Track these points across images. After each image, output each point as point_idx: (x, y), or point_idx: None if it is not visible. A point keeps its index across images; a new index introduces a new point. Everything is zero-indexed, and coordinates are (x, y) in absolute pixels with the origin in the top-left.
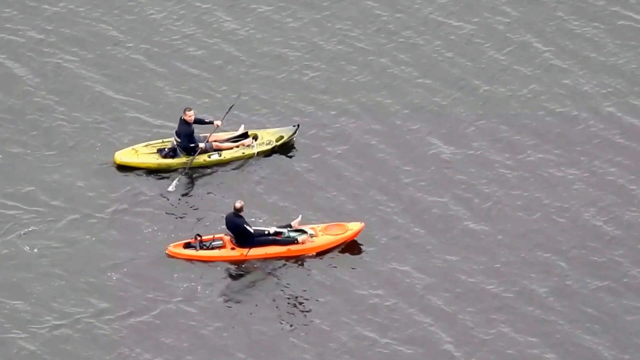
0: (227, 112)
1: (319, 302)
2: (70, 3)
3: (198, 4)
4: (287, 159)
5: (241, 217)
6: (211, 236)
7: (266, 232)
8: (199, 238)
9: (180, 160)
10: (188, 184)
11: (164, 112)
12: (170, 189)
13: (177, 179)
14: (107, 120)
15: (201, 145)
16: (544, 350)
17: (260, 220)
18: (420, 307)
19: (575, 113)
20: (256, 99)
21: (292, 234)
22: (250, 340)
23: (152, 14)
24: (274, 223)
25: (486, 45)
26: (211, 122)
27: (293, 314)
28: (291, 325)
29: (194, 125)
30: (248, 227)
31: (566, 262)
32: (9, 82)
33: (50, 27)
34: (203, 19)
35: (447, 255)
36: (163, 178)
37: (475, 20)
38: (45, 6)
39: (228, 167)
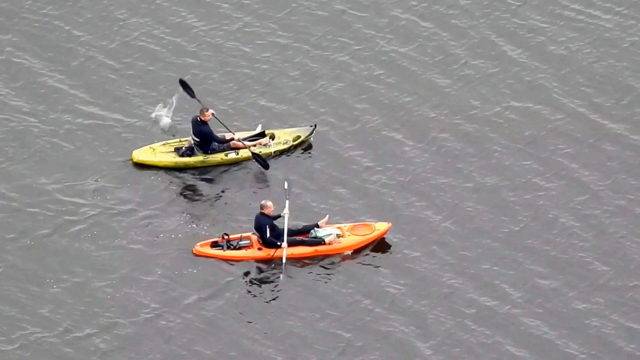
0: (193, 95)
1: (346, 303)
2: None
3: (209, 1)
4: (305, 158)
5: (267, 217)
6: (238, 235)
7: (277, 244)
8: (226, 237)
9: (197, 158)
10: (206, 182)
11: (181, 110)
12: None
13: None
14: (124, 119)
15: (234, 137)
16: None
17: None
18: (449, 307)
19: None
20: (273, 98)
21: (319, 234)
22: (277, 340)
23: (168, 13)
24: (300, 222)
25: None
26: (226, 141)
27: (320, 314)
28: (318, 325)
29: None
30: (267, 230)
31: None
32: (32, 80)
33: (71, 25)
34: (216, 17)
35: (475, 255)
36: (181, 177)
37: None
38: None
39: (245, 166)
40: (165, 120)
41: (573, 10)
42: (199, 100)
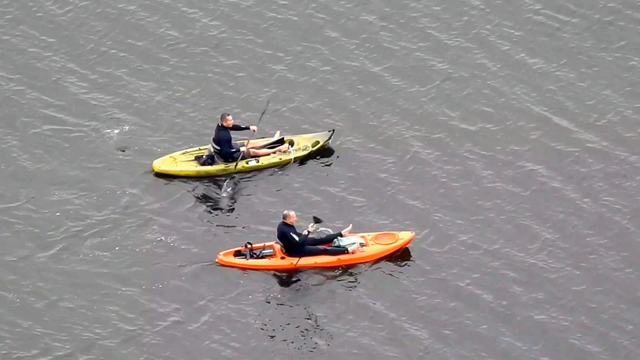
0: (260, 118)
1: (369, 312)
2: (127, 8)
3: (227, 9)
4: (325, 164)
5: (290, 225)
6: (261, 244)
7: (305, 233)
8: (249, 246)
9: (219, 167)
10: (229, 191)
11: (199, 119)
12: (223, 193)
13: (226, 183)
14: (144, 129)
15: (242, 149)
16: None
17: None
18: (475, 317)
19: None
20: (290, 105)
21: (343, 243)
22: (299, 349)
23: (186, 16)
24: (321, 230)
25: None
26: (247, 128)
27: (343, 324)
28: (342, 335)
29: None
30: (294, 236)
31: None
32: (53, 85)
33: (95, 35)
34: (229, 22)
35: (500, 265)
36: (202, 185)
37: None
38: (107, 10)
39: (266, 174)
40: None
41: (550, 24)
42: (259, 119)
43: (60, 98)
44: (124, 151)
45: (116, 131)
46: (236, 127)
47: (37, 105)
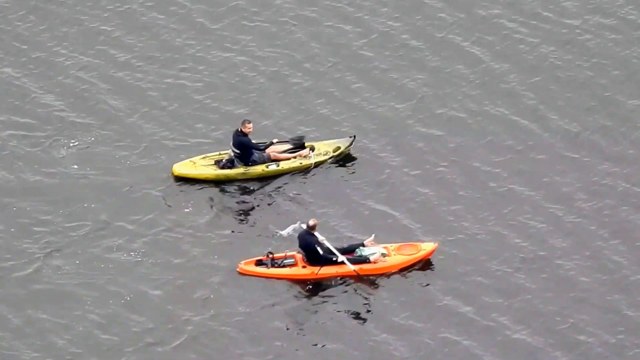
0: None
1: (391, 322)
2: (155, 14)
3: (242, 15)
4: (346, 171)
5: (313, 235)
6: (283, 254)
7: (334, 259)
8: (270, 256)
9: (238, 171)
10: (249, 196)
11: (218, 124)
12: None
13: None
14: (163, 133)
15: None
16: None
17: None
18: (494, 329)
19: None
20: (311, 110)
21: (365, 253)
22: (320, 359)
23: (210, 24)
24: (345, 241)
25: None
26: (267, 147)
27: (365, 333)
28: (364, 344)
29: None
30: (318, 248)
31: None
32: (79, 90)
33: (123, 40)
34: (256, 31)
35: (522, 278)
36: (222, 190)
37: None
38: (136, 15)
39: (286, 178)
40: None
41: (552, 19)
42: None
43: (74, 100)
44: (75, 166)
45: (134, 135)
46: (255, 147)
47: (50, 105)
